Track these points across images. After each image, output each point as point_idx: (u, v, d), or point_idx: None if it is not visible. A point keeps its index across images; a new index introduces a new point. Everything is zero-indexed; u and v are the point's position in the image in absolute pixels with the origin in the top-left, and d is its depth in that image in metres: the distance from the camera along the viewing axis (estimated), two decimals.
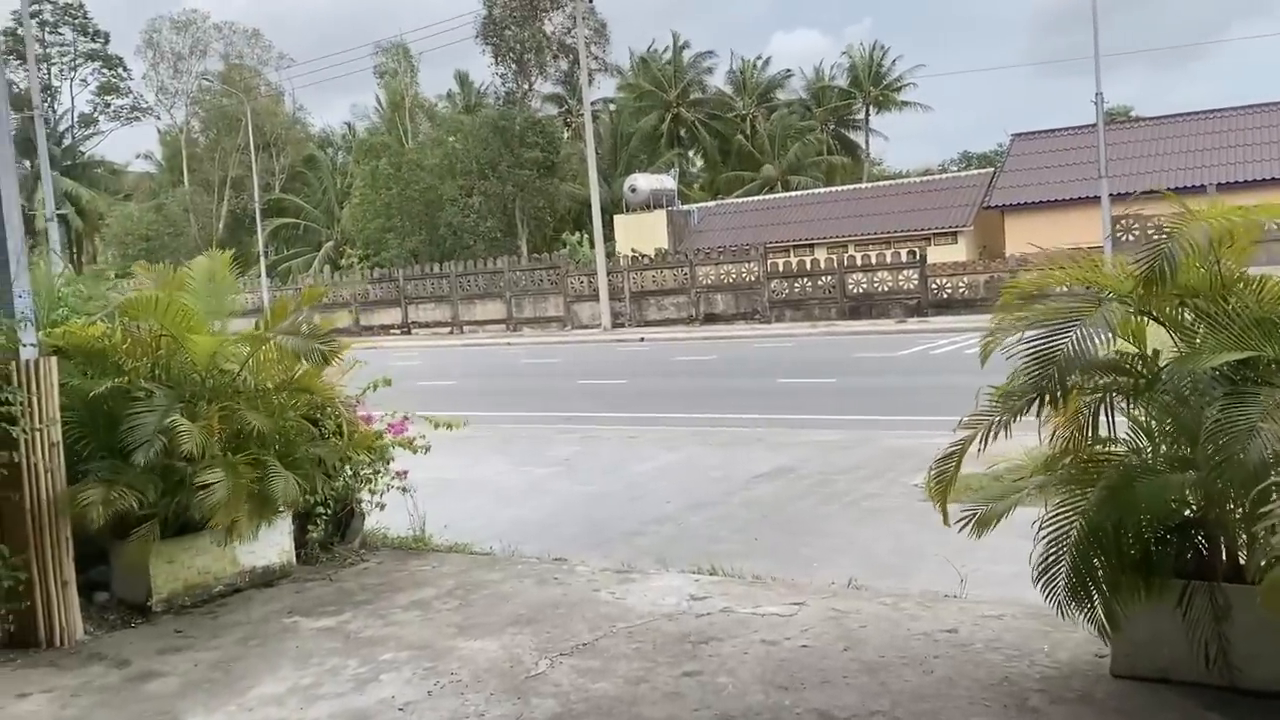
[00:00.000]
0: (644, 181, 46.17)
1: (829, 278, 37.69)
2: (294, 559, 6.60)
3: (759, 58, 62.78)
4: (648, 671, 4.54)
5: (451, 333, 43.05)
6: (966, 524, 4.18)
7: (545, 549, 7.08)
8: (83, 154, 65.18)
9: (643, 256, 41.32)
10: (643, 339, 33.89)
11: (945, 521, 4.18)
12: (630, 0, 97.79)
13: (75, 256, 62.80)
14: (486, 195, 45.80)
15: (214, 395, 5.87)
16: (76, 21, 61.42)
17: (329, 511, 6.67)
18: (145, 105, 63.88)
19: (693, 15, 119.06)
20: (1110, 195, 31.21)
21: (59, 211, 60.20)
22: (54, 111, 62.82)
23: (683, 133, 59.41)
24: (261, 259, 47.63)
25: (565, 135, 55.13)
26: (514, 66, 47.43)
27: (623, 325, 39.81)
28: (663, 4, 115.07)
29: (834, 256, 39.14)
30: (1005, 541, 4.40)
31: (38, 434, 5.10)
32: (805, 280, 38.16)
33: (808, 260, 39.57)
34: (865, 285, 37.02)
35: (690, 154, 61.45)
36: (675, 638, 4.95)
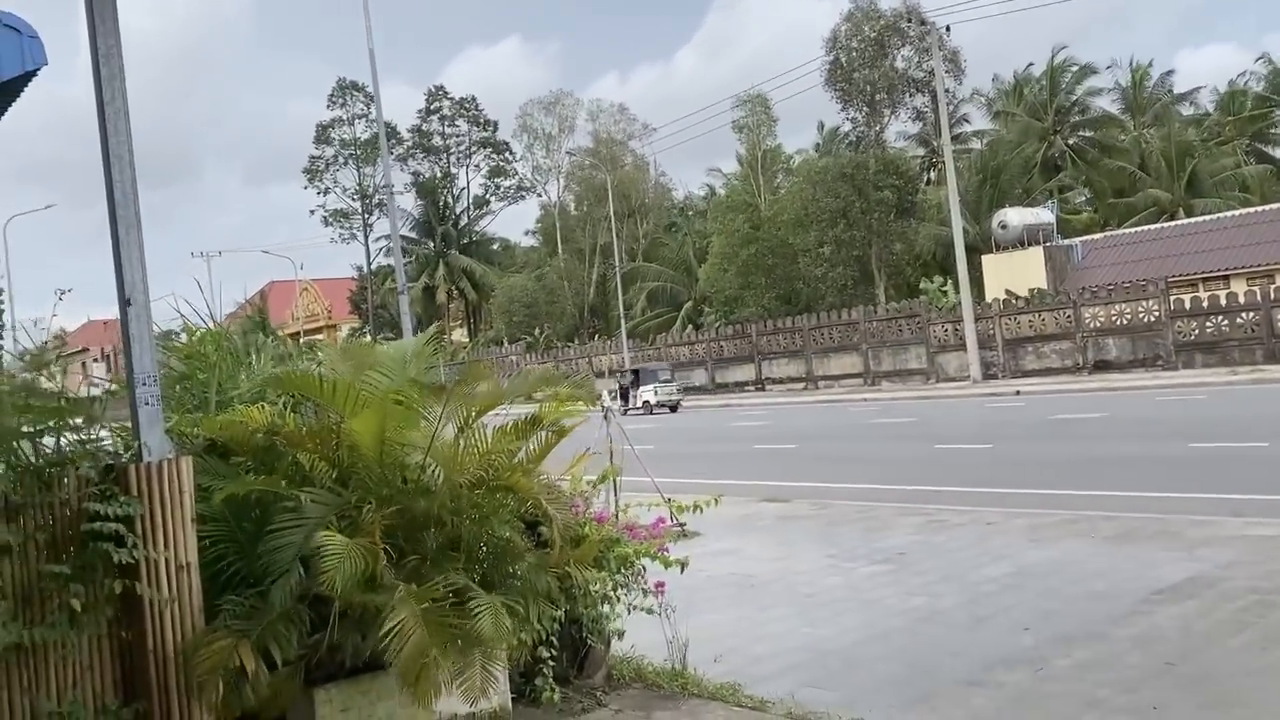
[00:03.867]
0: (1015, 216, 41.96)
1: (1251, 314, 31.78)
2: (509, 702, 5.22)
3: (1149, 65, 55.51)
4: None
5: (805, 388, 41.40)
6: None
7: (842, 699, 5.26)
8: (478, 233, 71.79)
9: (1016, 299, 37.33)
10: (1018, 392, 30.19)
11: None
12: (1016, 33, 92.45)
13: (474, 327, 69.17)
14: (839, 243, 43.95)
15: (388, 497, 4.63)
16: (470, 114, 68.11)
17: (552, 653, 5.23)
18: (528, 184, 69.28)
19: (1083, 42, 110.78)
20: None
21: (456, 285, 66.97)
22: (452, 196, 69.99)
23: (1060, 160, 53.82)
24: (622, 321, 49.03)
25: (927, 174, 52.00)
26: (865, 109, 45.29)
27: (994, 376, 36.06)
28: (1054, 33, 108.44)
29: (1256, 288, 32.87)
30: None
31: (160, 556, 4.11)
32: (1220, 318, 32.51)
33: (1222, 294, 33.66)
34: None
35: (1072, 183, 55.49)
36: None
